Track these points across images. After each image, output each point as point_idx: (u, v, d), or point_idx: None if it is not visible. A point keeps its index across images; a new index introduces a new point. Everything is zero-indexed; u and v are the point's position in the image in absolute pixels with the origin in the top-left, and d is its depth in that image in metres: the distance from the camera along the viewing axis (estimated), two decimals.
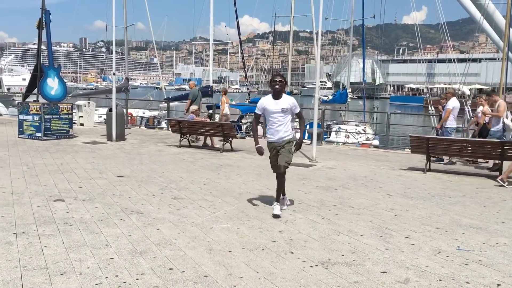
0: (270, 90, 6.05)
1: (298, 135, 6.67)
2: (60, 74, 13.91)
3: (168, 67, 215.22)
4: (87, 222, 5.41)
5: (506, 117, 10.25)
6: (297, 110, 6.13)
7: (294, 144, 6.23)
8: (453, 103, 11.09)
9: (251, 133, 13.72)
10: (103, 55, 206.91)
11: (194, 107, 14.14)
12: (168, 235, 5.05)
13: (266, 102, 6.05)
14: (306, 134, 17.65)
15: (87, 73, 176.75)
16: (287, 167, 6.09)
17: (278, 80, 5.93)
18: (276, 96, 5.99)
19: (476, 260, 4.51)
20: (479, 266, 4.34)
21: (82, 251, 4.45)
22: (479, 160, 10.86)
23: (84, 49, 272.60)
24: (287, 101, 5.99)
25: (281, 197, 6.22)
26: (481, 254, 4.70)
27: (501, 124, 10.27)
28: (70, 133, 13.60)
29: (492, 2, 27.19)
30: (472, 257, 4.60)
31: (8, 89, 41.87)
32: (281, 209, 6.07)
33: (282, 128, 6.02)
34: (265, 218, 5.86)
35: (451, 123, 11.11)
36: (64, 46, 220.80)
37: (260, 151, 6.07)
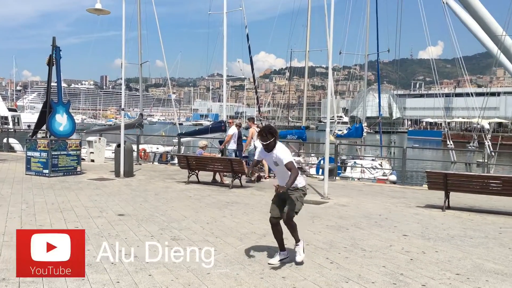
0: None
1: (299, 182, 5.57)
2: (69, 110, 13.83)
3: (186, 103, 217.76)
4: None
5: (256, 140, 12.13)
6: (285, 162, 5.18)
7: (303, 192, 5.51)
8: (233, 130, 14.08)
9: (263, 168, 13.40)
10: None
11: (203, 142, 13.88)
12: (160, 282, 4.63)
13: (263, 152, 5.42)
14: (320, 170, 17.17)
15: (106, 110, 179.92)
16: (293, 216, 5.40)
17: (264, 144, 5.25)
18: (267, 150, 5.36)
19: None
20: None
21: None
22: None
23: (104, 87, 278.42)
24: (275, 153, 5.26)
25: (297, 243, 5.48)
26: None
27: (252, 146, 13.11)
28: (78, 170, 13.37)
29: (509, 35, 26.76)
30: None
31: (29, 126, 42.37)
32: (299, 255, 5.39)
33: (283, 176, 5.28)
34: (268, 262, 5.39)
35: (232, 145, 13.89)
36: (85, 84, 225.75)
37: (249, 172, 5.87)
